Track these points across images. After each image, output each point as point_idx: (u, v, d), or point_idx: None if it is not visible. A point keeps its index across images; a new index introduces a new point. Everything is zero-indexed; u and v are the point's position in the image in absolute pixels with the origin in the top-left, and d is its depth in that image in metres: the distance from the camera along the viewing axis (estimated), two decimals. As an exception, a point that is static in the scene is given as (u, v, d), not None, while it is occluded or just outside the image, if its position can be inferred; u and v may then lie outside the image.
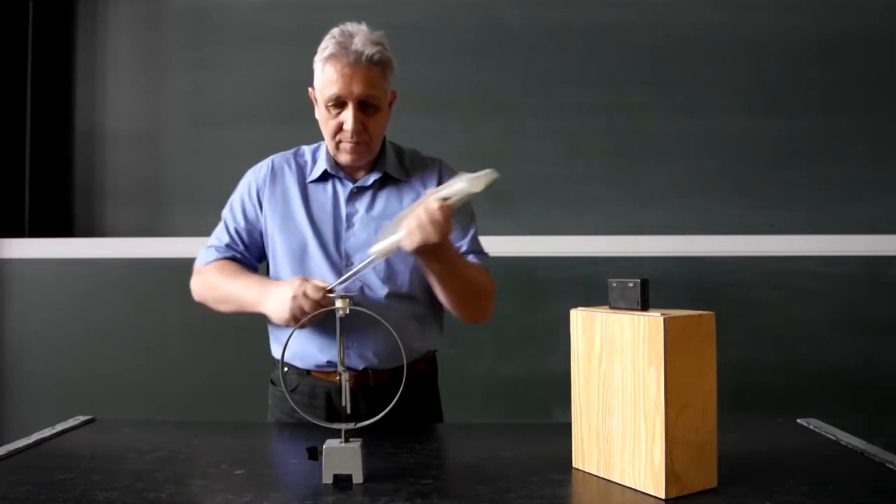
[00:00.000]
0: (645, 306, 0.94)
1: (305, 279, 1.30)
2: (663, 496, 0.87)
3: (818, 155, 2.51)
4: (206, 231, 2.48)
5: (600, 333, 0.97)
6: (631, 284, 0.95)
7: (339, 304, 0.98)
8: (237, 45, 2.59)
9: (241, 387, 2.40)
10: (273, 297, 1.32)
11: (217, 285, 1.47)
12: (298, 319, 1.27)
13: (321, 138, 1.52)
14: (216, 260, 1.51)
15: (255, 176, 1.52)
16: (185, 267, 2.48)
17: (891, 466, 0.99)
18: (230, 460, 1.06)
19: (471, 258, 1.48)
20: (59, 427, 1.25)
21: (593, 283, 2.38)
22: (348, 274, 1.31)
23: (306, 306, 1.26)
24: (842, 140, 2.51)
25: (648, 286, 0.94)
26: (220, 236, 1.54)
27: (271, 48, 2.56)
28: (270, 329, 1.52)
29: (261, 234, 1.50)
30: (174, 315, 2.49)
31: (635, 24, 2.54)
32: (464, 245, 1.49)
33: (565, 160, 2.52)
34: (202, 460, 1.05)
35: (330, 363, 1.41)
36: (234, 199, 1.53)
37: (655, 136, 2.52)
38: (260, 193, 1.49)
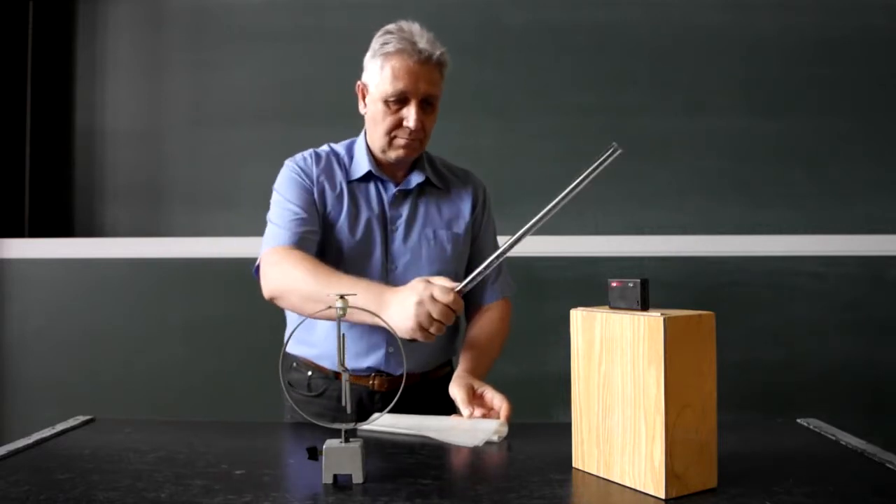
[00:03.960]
0: (645, 306, 0.94)
1: (429, 281, 1.18)
2: (663, 496, 0.87)
3: (818, 155, 2.51)
4: (206, 231, 2.53)
5: (600, 333, 0.97)
6: (631, 284, 0.95)
7: (338, 303, 0.98)
8: (237, 45, 2.59)
9: (242, 387, 2.41)
10: (394, 305, 1.19)
11: (309, 281, 1.27)
12: (424, 328, 1.17)
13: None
14: (293, 247, 1.34)
15: (303, 163, 1.43)
16: (184, 267, 2.51)
17: (891, 466, 0.99)
18: (230, 460, 1.06)
19: (493, 292, 1.53)
20: (59, 427, 1.25)
21: (593, 283, 2.39)
22: (476, 272, 1.21)
23: (434, 312, 1.15)
24: (841, 140, 2.51)
25: (648, 286, 0.94)
26: (287, 213, 1.37)
27: (271, 48, 2.56)
28: (289, 331, 1.50)
29: (319, 217, 1.41)
30: (174, 315, 2.49)
31: (635, 24, 2.54)
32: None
33: (565, 160, 2.52)
34: (202, 460, 1.05)
35: (369, 368, 1.41)
36: (284, 185, 1.42)
37: (655, 136, 2.52)
38: (314, 178, 1.41)
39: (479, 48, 2.54)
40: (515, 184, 2.50)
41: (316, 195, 1.41)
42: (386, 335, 1.40)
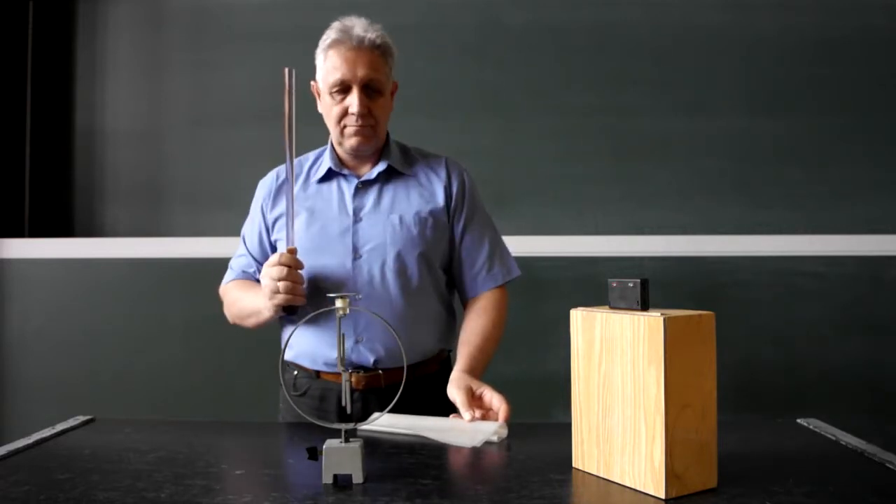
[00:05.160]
0: (645, 306, 0.94)
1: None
2: (663, 496, 0.87)
3: (818, 155, 2.51)
4: (206, 231, 2.53)
5: (600, 333, 0.97)
6: (631, 284, 0.95)
7: (338, 303, 0.98)
8: (237, 45, 2.59)
9: (241, 387, 2.41)
10: (262, 294, 1.37)
11: (235, 302, 1.52)
12: (276, 292, 1.31)
13: (322, 139, 1.53)
14: (232, 280, 1.56)
15: (260, 190, 1.57)
16: (184, 267, 2.51)
17: (891, 466, 0.99)
18: (230, 460, 1.06)
19: (487, 281, 1.51)
20: (59, 427, 1.25)
21: (593, 283, 2.39)
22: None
23: (273, 274, 1.31)
24: (842, 140, 2.51)
25: (648, 286, 0.94)
26: (239, 254, 1.58)
27: (271, 48, 2.56)
28: (284, 335, 1.52)
29: (273, 244, 1.53)
30: (174, 315, 2.49)
31: (635, 24, 2.54)
32: (481, 260, 1.51)
33: (565, 160, 2.52)
34: (202, 460, 1.05)
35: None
36: (250, 214, 1.58)
37: (655, 136, 2.52)
38: (265, 206, 1.53)
39: (479, 48, 2.54)
40: (515, 184, 2.50)
41: (269, 214, 1.52)
42: (353, 325, 1.40)
